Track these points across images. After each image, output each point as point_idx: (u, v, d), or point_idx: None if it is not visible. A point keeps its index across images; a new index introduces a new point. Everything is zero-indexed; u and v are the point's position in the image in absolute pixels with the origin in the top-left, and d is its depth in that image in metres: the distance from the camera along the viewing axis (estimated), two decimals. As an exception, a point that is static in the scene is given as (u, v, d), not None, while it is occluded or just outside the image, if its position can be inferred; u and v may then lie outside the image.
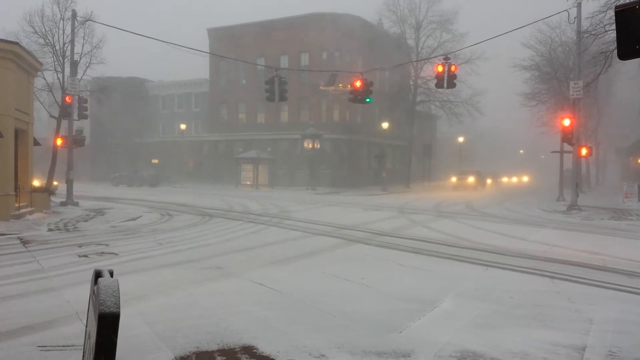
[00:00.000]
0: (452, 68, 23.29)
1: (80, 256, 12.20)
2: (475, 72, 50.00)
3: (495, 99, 70.50)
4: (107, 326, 1.46)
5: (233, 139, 55.89)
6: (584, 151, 26.44)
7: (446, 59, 23.62)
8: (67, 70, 27.91)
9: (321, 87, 44.02)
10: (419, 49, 53.00)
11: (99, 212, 23.68)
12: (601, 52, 24.26)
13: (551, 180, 51.77)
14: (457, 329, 6.82)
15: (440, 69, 23.38)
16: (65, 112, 27.76)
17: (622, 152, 61.94)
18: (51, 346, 6.03)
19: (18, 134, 20.86)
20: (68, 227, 18.06)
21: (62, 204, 26.18)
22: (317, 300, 8.19)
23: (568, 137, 26.09)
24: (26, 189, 21.86)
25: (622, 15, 5.02)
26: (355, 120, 52.85)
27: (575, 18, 24.78)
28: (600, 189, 51.48)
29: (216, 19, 77.74)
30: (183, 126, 58.05)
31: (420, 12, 52.53)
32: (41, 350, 5.90)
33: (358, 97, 24.81)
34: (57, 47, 28.95)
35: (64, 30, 28.75)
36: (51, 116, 31.12)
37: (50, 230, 17.38)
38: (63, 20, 28.68)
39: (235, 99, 56.39)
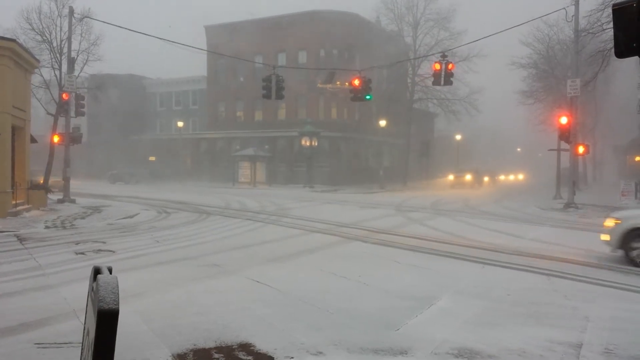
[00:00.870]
0: (449, 66, 23.33)
1: (77, 253, 12.19)
2: (472, 70, 50.09)
3: (493, 97, 70.62)
4: (106, 323, 1.46)
5: (231, 137, 55.82)
6: (581, 149, 26.48)
7: (443, 56, 23.65)
8: (65, 67, 27.86)
9: (319, 85, 44.00)
10: (417, 47, 53.03)
11: (96, 209, 23.66)
12: (599, 51, 24.33)
13: (548, 178, 51.84)
14: (455, 327, 6.84)
15: (437, 66, 23.41)
16: (62, 109, 27.70)
17: (619, 150, 62.07)
18: (48, 343, 6.04)
19: (15, 131, 20.81)
20: (65, 225, 18.04)
21: (59, 201, 26.14)
22: (314, 298, 8.20)
23: (565, 135, 26.13)
24: (23, 186, 21.81)
25: (620, 13, 5.02)
26: (352, 118, 52.85)
27: (573, 16, 24.80)
28: (597, 187, 51.59)
29: (214, 17, 77.61)
30: (180, 123, 57.97)
31: (418, 9, 52.59)
32: (38, 348, 5.90)
33: (358, 95, 24.82)
34: (55, 44, 28.89)
35: (61, 27, 28.70)
36: (48, 113, 31.04)
37: (47, 227, 17.36)
38: (60, 17, 28.62)
39: (233, 96, 56.32)
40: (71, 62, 26.97)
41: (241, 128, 55.42)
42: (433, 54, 41.28)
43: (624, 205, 27.99)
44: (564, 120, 25.94)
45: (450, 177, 55.53)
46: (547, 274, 10.22)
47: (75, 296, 7.90)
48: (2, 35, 21.60)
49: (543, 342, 6.23)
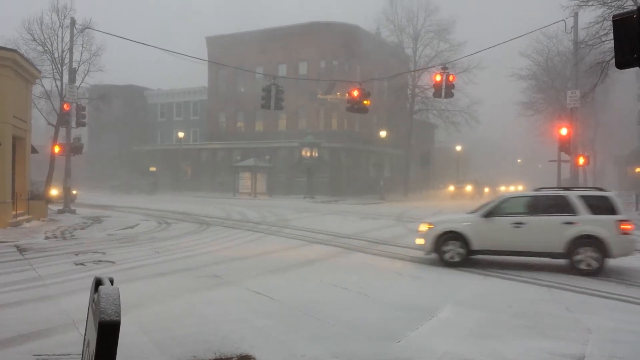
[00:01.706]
0: (450, 78, 23.37)
1: (77, 264, 12.15)
2: (472, 81, 50.25)
3: (493, 108, 70.80)
4: (107, 334, 1.45)
5: (231, 147, 55.91)
6: (581, 160, 26.46)
7: (444, 68, 23.70)
8: (66, 77, 27.95)
9: (319, 96, 44.14)
10: (417, 58, 53.29)
11: (97, 220, 23.63)
12: (598, 62, 24.39)
13: (549, 189, 51.72)
14: (456, 339, 6.81)
15: (438, 78, 23.46)
16: (63, 119, 27.76)
17: (620, 161, 62.12)
18: (47, 355, 6.00)
19: (16, 141, 20.83)
20: (65, 235, 18.01)
21: (60, 211, 26.12)
22: (315, 309, 8.17)
23: (565, 146, 26.13)
24: (23, 196, 21.80)
25: (620, 25, 5.05)
26: (353, 128, 52.96)
27: (572, 28, 24.89)
28: (597, 198, 51.48)
29: (215, 28, 77.95)
30: (181, 134, 58.08)
31: (418, 21, 52.89)
32: (37, 359, 5.87)
33: (355, 106, 24.86)
34: (56, 55, 29.05)
35: (62, 38, 28.87)
36: (49, 124, 31.14)
37: (47, 238, 17.33)
38: (62, 28, 28.80)
39: (233, 107, 56.49)
40: (72, 72, 27.05)
41: (242, 139, 55.52)
42: (433, 66, 41.44)
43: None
44: (564, 131, 25.95)
45: (451, 188, 55.55)
46: (548, 286, 10.19)
47: (74, 307, 7.86)
48: (3, 45, 21.71)
49: (545, 355, 6.19)
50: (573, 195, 12.05)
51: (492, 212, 12.44)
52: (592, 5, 23.92)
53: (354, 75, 46.04)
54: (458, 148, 70.44)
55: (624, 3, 22.98)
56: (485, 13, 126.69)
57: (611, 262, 11.81)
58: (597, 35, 23.76)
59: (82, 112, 27.26)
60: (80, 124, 27.21)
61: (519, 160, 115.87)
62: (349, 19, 53.42)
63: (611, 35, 5.36)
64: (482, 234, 12.29)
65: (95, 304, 1.62)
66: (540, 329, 7.28)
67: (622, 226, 11.52)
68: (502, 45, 24.91)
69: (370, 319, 7.72)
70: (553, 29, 33.88)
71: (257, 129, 55.51)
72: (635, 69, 5.15)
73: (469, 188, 54.22)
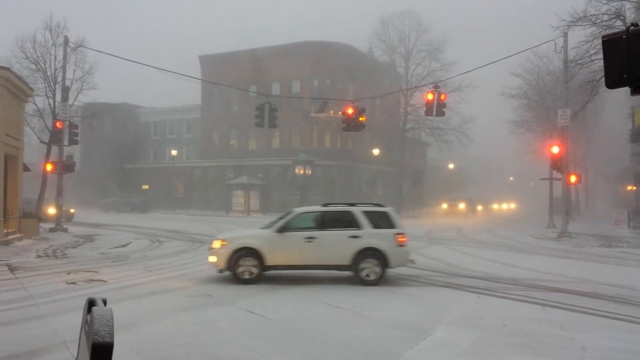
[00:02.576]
0: (442, 96, 23.54)
1: (68, 283, 12.03)
2: (464, 100, 50.48)
3: (485, 127, 71.07)
4: (100, 356, 1.44)
5: (224, 165, 55.87)
6: (573, 178, 26.63)
7: (436, 87, 23.89)
8: (58, 95, 27.93)
9: (312, 114, 44.30)
10: (409, 77, 53.63)
11: (89, 238, 23.46)
12: (588, 81, 24.69)
13: (541, 207, 52.00)
14: (451, 358, 6.77)
15: (430, 97, 23.61)
16: (55, 137, 27.70)
17: (611, 179, 62.47)
18: (37, 376, 5.91)
19: (8, 159, 20.74)
20: (57, 254, 17.85)
21: (51, 230, 25.91)
22: (308, 328, 8.11)
23: (557, 165, 26.31)
24: (15, 214, 21.65)
25: (610, 45, 5.11)
26: (346, 146, 53.09)
27: (562, 47, 25.20)
28: (589, 216, 51.78)
29: (208, 46, 78.42)
30: (174, 152, 58.01)
31: (410, 41, 53.33)
32: (27, 380, 5.78)
33: (352, 124, 24.94)
34: (49, 73, 29.04)
35: (55, 56, 28.87)
36: (41, 141, 31.03)
37: (38, 256, 17.17)
38: (55, 46, 28.83)
39: (226, 125, 56.58)
40: (65, 90, 27.04)
41: (235, 156, 55.52)
42: (425, 84, 41.73)
43: (618, 234, 28.05)
44: (555, 149, 26.15)
45: (444, 205, 55.66)
46: (542, 304, 10.17)
47: (66, 327, 7.77)
48: (-3, 64, 21.71)
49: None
50: (357, 211, 12.73)
51: (286, 227, 12.57)
52: (582, 25, 24.26)
53: (346, 93, 46.31)
54: (451, 166, 70.72)
55: (613, 23, 23.33)
56: (476, 33, 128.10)
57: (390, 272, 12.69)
58: (587, 54, 24.09)
59: (75, 130, 27.22)
60: (72, 142, 27.15)
61: (511, 178, 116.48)
62: (341, 39, 53.84)
63: (601, 54, 5.42)
64: (276, 249, 12.34)
65: (88, 325, 1.60)
66: (535, 348, 7.24)
67: (399, 239, 12.45)
68: (493, 65, 25.16)
69: (364, 338, 7.67)
70: (543, 48, 34.28)
71: (250, 147, 55.58)
72: (626, 87, 5.20)
73: (462, 206, 54.35)
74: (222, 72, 53.06)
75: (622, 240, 25.26)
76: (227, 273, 12.43)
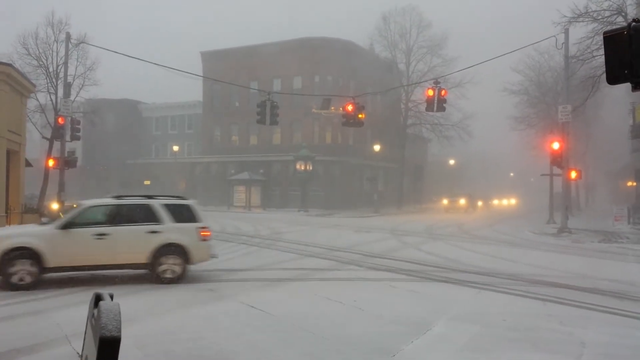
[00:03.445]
0: (442, 92, 23.52)
1: (70, 278, 12.07)
2: (465, 96, 50.55)
3: (485, 123, 71.13)
4: (107, 350, 1.47)
5: (226, 161, 55.92)
6: (573, 174, 26.61)
7: (436, 83, 23.86)
8: (60, 91, 28.00)
9: (313, 110, 44.22)
10: (410, 73, 53.61)
11: (90, 233, 23.46)
12: (589, 77, 24.67)
13: (541, 203, 52.03)
14: (451, 353, 6.81)
15: (430, 92, 23.60)
16: (57, 133, 27.74)
17: (611, 175, 62.50)
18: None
19: (10, 154, 20.80)
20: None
21: (53, 225, 25.93)
22: (309, 323, 8.15)
23: (557, 160, 26.31)
24: (17, 210, 21.71)
25: (611, 41, 5.14)
26: (347, 142, 53.11)
27: (563, 44, 25.15)
28: (589, 212, 51.79)
29: (209, 42, 78.35)
30: (176, 148, 58.06)
31: (411, 37, 53.28)
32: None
33: (351, 120, 24.95)
34: (51, 69, 29.12)
35: (57, 53, 28.98)
36: (43, 137, 31.09)
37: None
38: (57, 42, 28.93)
39: (228, 121, 56.60)
40: (67, 86, 27.06)
41: (236, 152, 55.57)
42: (426, 80, 41.70)
43: (617, 229, 28.08)
44: (556, 145, 26.14)
45: (445, 201, 55.69)
46: (542, 299, 10.20)
47: (67, 321, 7.83)
48: (-2, 60, 21.74)
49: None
50: (157, 204, 11.80)
51: (71, 223, 11.13)
52: (583, 21, 24.23)
53: (348, 89, 46.26)
54: (451, 162, 70.67)
55: (615, 19, 23.30)
56: (478, 30, 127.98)
57: (192, 268, 12.19)
58: (589, 50, 24.07)
59: (77, 126, 27.23)
60: (74, 137, 27.18)
61: (511, 174, 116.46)
62: (342, 35, 53.73)
63: (602, 50, 5.44)
64: (59, 249, 10.81)
65: (95, 319, 1.63)
66: (535, 343, 7.28)
67: (202, 233, 11.89)
68: (494, 61, 25.13)
69: (364, 332, 7.71)
70: (544, 44, 34.23)
71: (251, 143, 55.61)
72: (627, 83, 5.22)
73: (462, 201, 54.37)
74: (223, 68, 53.05)
75: (622, 236, 25.27)
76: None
